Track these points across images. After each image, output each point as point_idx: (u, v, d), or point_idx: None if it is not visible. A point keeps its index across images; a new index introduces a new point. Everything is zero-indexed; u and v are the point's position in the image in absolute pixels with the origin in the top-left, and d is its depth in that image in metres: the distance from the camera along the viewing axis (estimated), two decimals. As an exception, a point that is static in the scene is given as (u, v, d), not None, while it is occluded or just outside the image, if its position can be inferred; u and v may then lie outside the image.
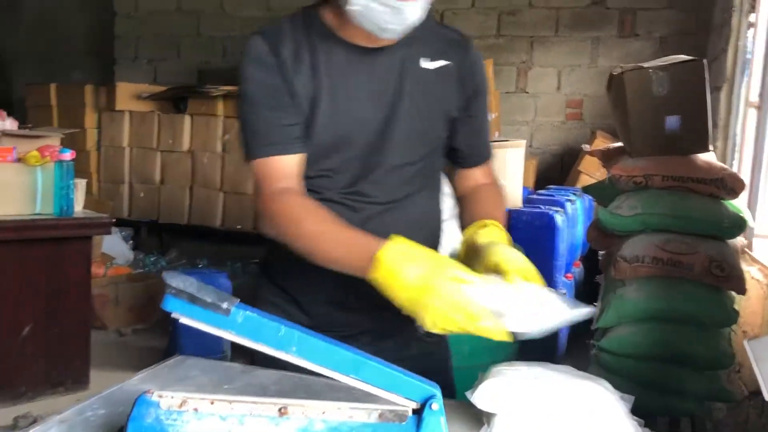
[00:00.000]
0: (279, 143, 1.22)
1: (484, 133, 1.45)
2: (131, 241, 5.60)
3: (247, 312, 0.88)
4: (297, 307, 1.36)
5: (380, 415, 0.88)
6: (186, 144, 5.62)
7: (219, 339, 3.24)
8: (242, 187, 5.46)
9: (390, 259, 1.01)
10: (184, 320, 0.88)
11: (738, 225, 2.24)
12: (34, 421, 2.69)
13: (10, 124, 3.23)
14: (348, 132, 1.27)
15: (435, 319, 0.98)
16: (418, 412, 0.87)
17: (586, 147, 3.73)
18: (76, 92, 5.77)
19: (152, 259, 5.56)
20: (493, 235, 1.17)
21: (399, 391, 0.88)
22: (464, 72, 1.34)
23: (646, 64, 2.51)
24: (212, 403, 0.89)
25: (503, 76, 5.24)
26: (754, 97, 3.60)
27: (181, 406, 0.88)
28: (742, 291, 2.19)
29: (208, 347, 3.36)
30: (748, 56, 3.80)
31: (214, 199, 5.58)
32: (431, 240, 1.38)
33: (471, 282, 0.99)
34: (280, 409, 0.88)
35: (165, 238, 5.98)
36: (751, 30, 3.79)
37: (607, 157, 2.75)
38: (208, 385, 1.16)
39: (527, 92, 5.36)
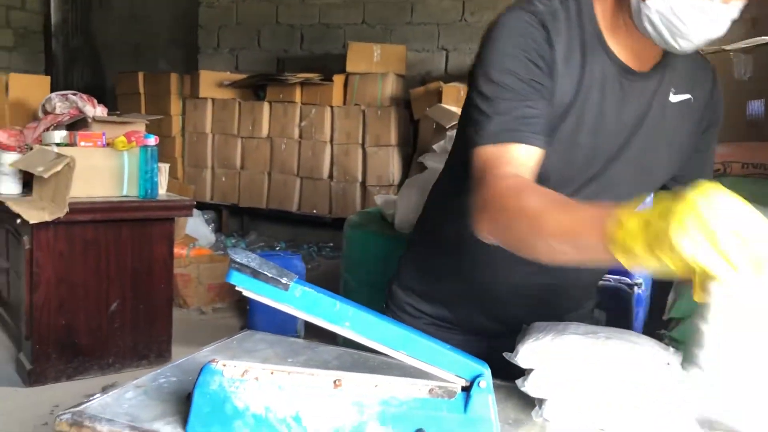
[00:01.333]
0: (521, 131, 1.01)
1: (706, 166, 1.28)
2: (213, 224, 5.83)
3: (305, 287, 0.92)
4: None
5: (430, 391, 0.91)
6: (265, 130, 5.78)
7: (293, 319, 3.31)
8: (318, 173, 5.57)
9: (632, 212, 0.77)
10: (246, 293, 0.93)
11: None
12: (121, 391, 2.86)
13: (100, 111, 3.43)
14: (579, 156, 1.12)
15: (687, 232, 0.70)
16: (467, 390, 0.90)
17: None
18: (162, 80, 6.03)
19: (233, 241, 5.77)
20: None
21: (449, 368, 0.90)
22: (705, 107, 1.20)
23: (727, 47, 2.41)
24: (272, 373, 0.94)
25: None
26: None
27: (242, 375, 0.94)
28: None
29: (282, 326, 3.48)
30: None
31: (291, 184, 5.72)
32: None
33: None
34: (335, 381, 0.92)
35: (245, 221, 6.19)
36: None
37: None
38: (273, 357, 1.22)
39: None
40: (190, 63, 6.64)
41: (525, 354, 1.04)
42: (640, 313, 3.53)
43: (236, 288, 0.94)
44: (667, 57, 1.11)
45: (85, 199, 2.92)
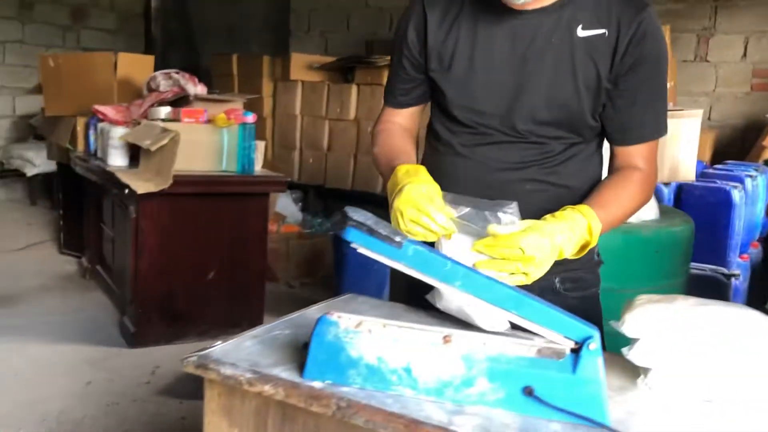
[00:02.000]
0: (395, 97, 1.45)
1: (639, 108, 1.29)
2: (300, 204, 5.97)
3: (417, 246, 0.96)
4: None
5: (539, 351, 0.93)
6: (352, 113, 5.85)
7: (379, 295, 3.34)
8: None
9: (401, 172, 1.23)
10: (361, 250, 0.97)
11: None
12: (216, 356, 3.00)
13: (200, 89, 3.57)
14: (478, 96, 1.31)
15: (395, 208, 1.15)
16: (575, 351, 0.91)
17: None
18: (254, 63, 6.19)
19: (318, 221, 5.89)
20: (551, 221, 1.14)
21: (558, 329, 0.92)
22: (624, 41, 1.23)
23: None
24: (384, 326, 0.98)
25: (681, 43, 4.93)
26: None
27: (357, 326, 0.98)
28: None
29: (369, 303, 3.56)
30: None
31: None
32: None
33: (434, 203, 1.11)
34: (444, 337, 0.96)
35: (329, 202, 6.31)
36: None
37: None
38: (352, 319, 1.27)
39: (708, 61, 5.01)
40: (281, 46, 6.79)
41: (631, 323, 1.04)
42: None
43: (351, 244, 0.98)
44: None
45: (187, 173, 3.06)
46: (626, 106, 1.28)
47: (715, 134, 4.86)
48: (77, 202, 4.32)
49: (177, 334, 3.20)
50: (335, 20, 6.48)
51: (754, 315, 1.03)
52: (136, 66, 3.95)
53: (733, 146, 4.92)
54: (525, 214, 1.23)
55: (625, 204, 1.28)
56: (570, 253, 1.15)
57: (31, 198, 6.08)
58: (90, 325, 3.38)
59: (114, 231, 3.66)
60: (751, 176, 3.66)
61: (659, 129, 1.32)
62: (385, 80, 5.54)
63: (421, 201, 1.12)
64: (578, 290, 1.37)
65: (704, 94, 5.05)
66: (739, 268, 3.49)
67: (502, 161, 1.33)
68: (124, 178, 2.92)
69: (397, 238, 0.95)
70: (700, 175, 3.67)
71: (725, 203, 3.33)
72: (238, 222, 3.24)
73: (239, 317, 3.33)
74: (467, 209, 1.10)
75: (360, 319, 0.99)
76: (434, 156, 1.45)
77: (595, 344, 0.89)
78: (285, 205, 5.19)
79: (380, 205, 4.96)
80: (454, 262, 0.95)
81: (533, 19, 1.26)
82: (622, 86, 1.26)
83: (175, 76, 3.52)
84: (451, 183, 1.37)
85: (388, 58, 5.56)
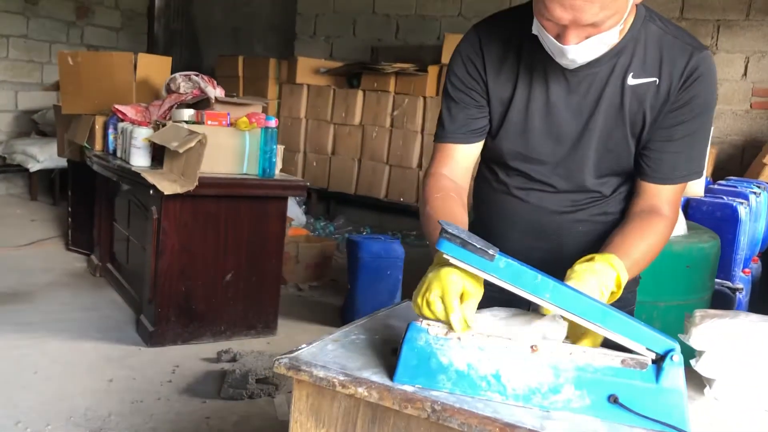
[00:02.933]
0: (458, 130, 1.36)
1: (675, 148, 1.27)
2: (303, 207, 6.02)
3: (509, 259, 1.01)
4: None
5: (623, 361, 0.99)
6: (357, 118, 5.91)
7: (391, 301, 3.44)
8: (407, 162, 5.67)
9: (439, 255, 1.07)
10: (453, 261, 1.03)
11: None
12: (234, 357, 3.04)
13: (219, 92, 3.61)
14: (532, 145, 1.32)
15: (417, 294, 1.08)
16: (657, 362, 0.97)
17: None
18: (260, 65, 6.24)
19: (322, 224, 5.95)
20: (583, 276, 1.11)
21: (642, 341, 0.98)
22: (674, 88, 1.24)
23: None
24: (473, 335, 1.04)
25: (683, 60, 5.04)
26: None
27: (446, 334, 1.04)
28: None
29: (380, 306, 3.60)
30: None
31: (380, 172, 5.84)
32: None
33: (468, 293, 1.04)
34: (531, 347, 1.01)
35: (332, 205, 6.36)
36: None
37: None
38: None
39: (709, 78, 5.12)
40: (286, 49, 6.84)
41: (698, 336, 1.11)
42: (739, 318, 3.51)
43: (444, 255, 1.04)
44: (622, 45, 1.22)
45: (209, 175, 3.10)
46: (662, 142, 1.27)
47: (715, 151, 4.98)
48: (86, 199, 4.34)
49: (194, 334, 3.23)
50: (341, 25, 6.54)
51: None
52: (154, 67, 3.98)
53: (732, 163, 5.04)
54: (575, 251, 1.33)
55: (648, 256, 1.26)
56: None
57: (32, 193, 6.06)
58: (105, 323, 3.40)
59: (129, 230, 3.68)
60: (755, 193, 3.76)
61: (691, 173, 1.30)
62: (392, 87, 5.70)
63: (451, 290, 1.03)
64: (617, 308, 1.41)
65: (705, 111, 5.16)
66: (742, 282, 3.59)
67: (555, 206, 1.38)
68: (150, 179, 2.95)
69: (491, 251, 1.00)
70: (707, 190, 3.76)
71: (732, 219, 3.42)
72: (257, 225, 3.28)
73: (254, 319, 3.37)
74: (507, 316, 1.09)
75: (447, 326, 1.04)
76: (487, 190, 1.47)
77: (677, 356, 0.96)
78: (290, 207, 5.23)
79: (383, 210, 5.04)
80: (543, 274, 1.01)
81: (588, 70, 1.25)
82: (662, 123, 1.26)
83: (195, 78, 3.55)
84: (504, 221, 1.44)
85: (396, 65, 5.65)
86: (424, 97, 5.59)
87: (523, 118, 1.31)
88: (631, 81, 1.25)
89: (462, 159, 1.39)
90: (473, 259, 1.01)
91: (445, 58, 5.47)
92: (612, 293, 1.13)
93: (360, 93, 5.89)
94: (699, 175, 1.31)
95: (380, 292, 3.57)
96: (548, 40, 1.16)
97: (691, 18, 5.12)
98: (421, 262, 4.74)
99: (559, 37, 1.14)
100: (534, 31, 1.19)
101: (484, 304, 1.08)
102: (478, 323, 1.06)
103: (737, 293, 3.47)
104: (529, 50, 1.28)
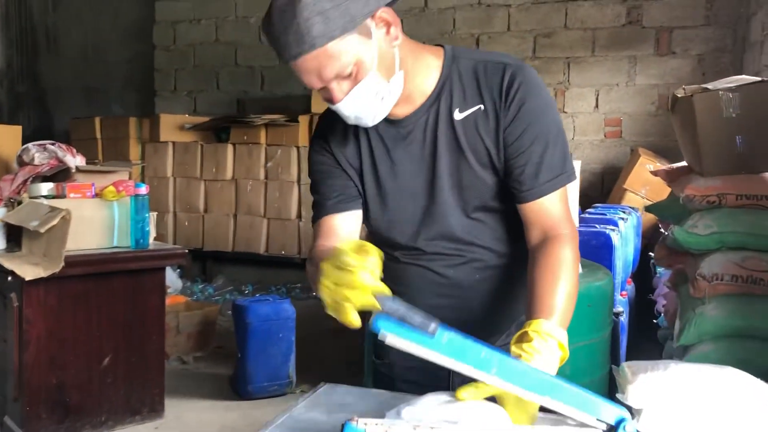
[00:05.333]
0: (331, 200, 1.33)
1: (530, 157, 1.24)
2: (178, 270, 5.70)
3: (451, 333, 0.94)
4: None
5: (574, 435, 0.93)
6: (229, 172, 5.74)
7: (285, 365, 3.25)
8: (286, 213, 5.55)
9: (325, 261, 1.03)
10: (391, 339, 0.94)
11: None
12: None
13: (80, 160, 3.34)
14: (397, 203, 1.32)
15: (324, 294, 1.01)
16: (609, 433, 0.93)
17: (650, 167, 3.78)
18: (120, 125, 5.92)
19: (200, 286, 5.66)
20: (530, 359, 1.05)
21: (592, 412, 0.93)
22: (502, 106, 1.23)
23: (711, 86, 2.57)
24: (414, 429, 0.95)
25: (541, 97, 5.31)
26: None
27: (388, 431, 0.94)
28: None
29: (275, 373, 3.43)
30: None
31: (257, 226, 5.67)
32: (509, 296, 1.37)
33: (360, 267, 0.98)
34: (480, 434, 0.94)
35: (209, 265, 6.08)
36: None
37: (672, 177, 2.80)
38: (369, 412, 1.22)
39: (565, 112, 5.43)
40: (145, 106, 6.54)
41: (635, 394, 1.08)
42: (623, 340, 3.66)
43: (380, 335, 0.94)
44: (438, 88, 1.26)
45: (76, 252, 2.82)
46: (515, 158, 1.24)
47: (578, 180, 5.25)
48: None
49: (70, 429, 2.90)
50: (203, 79, 6.35)
51: (742, 376, 1.11)
52: (1, 137, 3.63)
53: (594, 190, 5.33)
54: (482, 300, 1.34)
55: (572, 293, 1.21)
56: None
57: None
58: (-39, 431, 2.98)
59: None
60: (623, 218, 3.97)
61: (558, 175, 1.25)
62: (263, 138, 5.61)
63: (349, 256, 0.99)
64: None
65: (565, 143, 5.44)
66: (621, 305, 3.75)
67: (446, 262, 1.34)
68: (8, 264, 2.64)
69: (431, 326, 0.92)
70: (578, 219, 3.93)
71: (606, 246, 3.58)
72: (133, 301, 3.03)
73: (138, 404, 3.09)
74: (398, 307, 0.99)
75: (387, 424, 0.95)
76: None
77: (630, 426, 0.92)
78: (165, 273, 4.93)
79: (264, 264, 4.87)
80: (489, 346, 0.94)
81: (416, 119, 1.27)
82: (507, 141, 1.24)
83: (51, 147, 3.27)
84: (400, 285, 1.32)
85: (265, 116, 5.55)
86: (298, 147, 5.52)
87: (375, 186, 1.32)
88: (458, 116, 1.26)
89: (343, 228, 1.32)
90: (413, 336, 0.93)
91: (315, 107, 5.45)
92: (561, 358, 1.09)
93: (230, 147, 5.72)
94: (569, 176, 1.26)
95: (273, 357, 3.40)
96: (331, 106, 1.20)
97: (543, 57, 5.42)
98: (312, 317, 4.60)
99: (330, 100, 1.18)
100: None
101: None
102: (419, 410, 0.97)
103: (619, 317, 3.62)
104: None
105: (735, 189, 2.37)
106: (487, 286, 1.36)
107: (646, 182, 4.58)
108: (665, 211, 2.87)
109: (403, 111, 1.27)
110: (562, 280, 1.19)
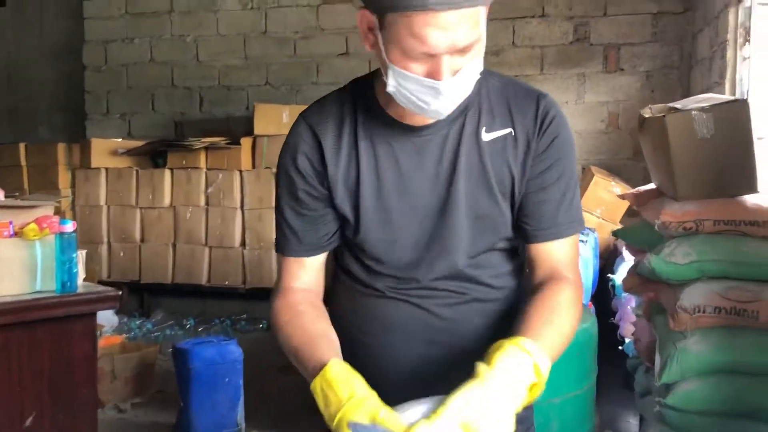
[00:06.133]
0: (297, 247, 1.21)
1: (556, 203, 1.17)
2: (113, 305, 5.33)
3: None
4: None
5: None
6: (167, 199, 5.42)
7: (232, 412, 2.96)
8: (228, 241, 5.27)
9: (330, 376, 1.02)
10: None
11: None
12: None
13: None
14: (401, 222, 1.16)
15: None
16: None
17: (617, 190, 3.67)
18: (47, 151, 5.54)
19: (137, 322, 5.29)
20: (487, 367, 0.98)
21: None
22: (532, 136, 1.15)
23: (680, 105, 2.45)
24: None
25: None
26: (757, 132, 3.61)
27: None
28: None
29: (221, 421, 3.15)
30: (745, 89, 3.83)
31: (199, 255, 5.37)
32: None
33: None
34: None
35: (147, 298, 5.72)
36: (746, 63, 3.83)
37: (641, 201, 2.67)
38: None
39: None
40: (75, 130, 6.15)
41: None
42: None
43: None
44: (467, 100, 1.12)
45: (-8, 300, 2.50)
46: (536, 192, 1.17)
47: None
48: None
49: (-12, 503, 2.55)
50: (138, 101, 6.02)
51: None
52: None
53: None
54: (476, 343, 1.14)
55: (567, 332, 1.11)
56: (520, 405, 0.97)
57: None
58: None
59: None
60: (582, 241, 3.85)
61: (573, 221, 1.19)
62: (203, 163, 5.25)
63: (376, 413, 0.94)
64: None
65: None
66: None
67: (444, 300, 1.18)
68: None
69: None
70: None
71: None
72: (60, 350, 2.69)
73: (68, 465, 2.76)
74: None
75: None
76: (352, 297, 1.25)
77: None
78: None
79: (206, 295, 4.53)
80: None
81: (438, 132, 1.14)
82: (532, 172, 1.16)
83: (-37, 180, 2.92)
84: (380, 326, 1.20)
85: (205, 139, 5.26)
86: (240, 171, 5.25)
87: (376, 203, 1.15)
88: (485, 137, 1.15)
89: (313, 264, 1.23)
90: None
91: (258, 129, 5.21)
92: (533, 386, 0.99)
93: (167, 172, 5.41)
94: (581, 225, 1.21)
95: (219, 403, 3.12)
96: (415, 88, 1.02)
97: (493, 75, 5.32)
98: (260, 352, 4.34)
99: (431, 74, 1.01)
100: (390, 89, 1.05)
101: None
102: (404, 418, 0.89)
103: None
104: (366, 126, 1.15)
105: (713, 214, 2.25)
106: (485, 332, 1.20)
107: (601, 202, 4.50)
108: (634, 236, 2.74)
109: (421, 118, 1.12)
110: (557, 315, 1.12)
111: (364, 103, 1.16)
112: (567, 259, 1.19)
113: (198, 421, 3.07)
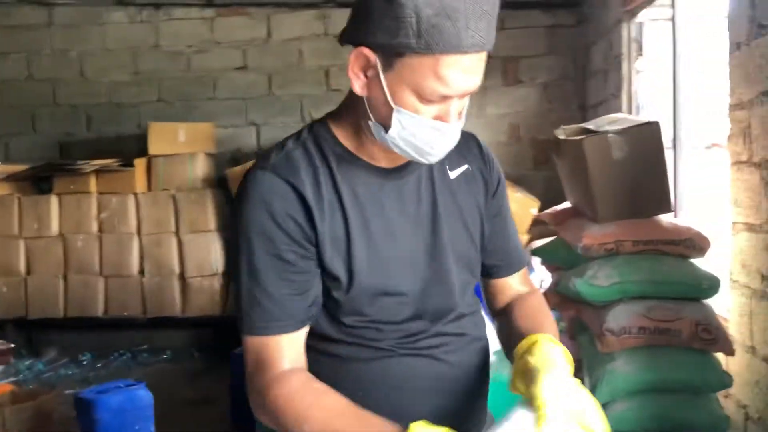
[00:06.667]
0: (285, 320, 1.05)
1: (514, 233, 1.29)
2: (-2, 346, 4.88)
3: None
4: None
5: None
6: (55, 227, 5.02)
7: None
8: (126, 269, 4.94)
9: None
10: None
11: (715, 285, 2.24)
12: None
13: None
14: (396, 274, 1.10)
15: None
16: None
17: (534, 211, 3.70)
18: None
19: (27, 362, 4.86)
20: (542, 356, 1.02)
21: None
22: (483, 171, 1.20)
23: (593, 126, 2.49)
24: None
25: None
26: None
27: None
28: (730, 352, 2.19)
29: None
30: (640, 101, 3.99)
31: (93, 286, 5.01)
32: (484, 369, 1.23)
33: None
34: None
35: (36, 335, 5.27)
36: (640, 76, 3.99)
37: (558, 220, 2.70)
38: None
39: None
40: (-56, 155, 5.60)
41: None
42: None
43: None
44: None
45: None
46: (500, 229, 1.23)
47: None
48: None
49: None
50: (17, 121, 5.54)
51: None
52: None
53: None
54: (475, 367, 1.18)
55: (555, 326, 1.19)
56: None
57: None
58: None
59: None
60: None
61: (526, 254, 1.34)
62: (94, 187, 4.90)
63: None
64: None
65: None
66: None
67: (449, 346, 1.14)
68: None
69: None
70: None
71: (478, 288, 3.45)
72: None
73: None
74: None
75: None
76: (332, 363, 1.11)
77: None
78: (-18, 355, 4.16)
79: (103, 327, 4.20)
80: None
81: (411, 172, 1.12)
82: (492, 209, 1.21)
83: None
84: (385, 387, 1.10)
85: (95, 161, 4.92)
86: (135, 194, 4.95)
87: (368, 255, 1.07)
88: (451, 174, 1.16)
89: (300, 338, 1.09)
90: None
91: (153, 149, 4.93)
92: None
93: (54, 198, 5.01)
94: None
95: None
96: (422, 131, 0.99)
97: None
98: (167, 385, 4.07)
99: (439, 117, 1.00)
100: (391, 133, 1.00)
101: None
102: None
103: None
104: (343, 172, 1.08)
105: (631, 235, 2.30)
106: (482, 371, 1.21)
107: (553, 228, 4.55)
108: (552, 255, 2.76)
109: (390, 161, 1.10)
110: (546, 315, 1.20)
111: (331, 148, 1.09)
112: (524, 280, 1.29)
113: (106, 478, 2.83)
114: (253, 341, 1.05)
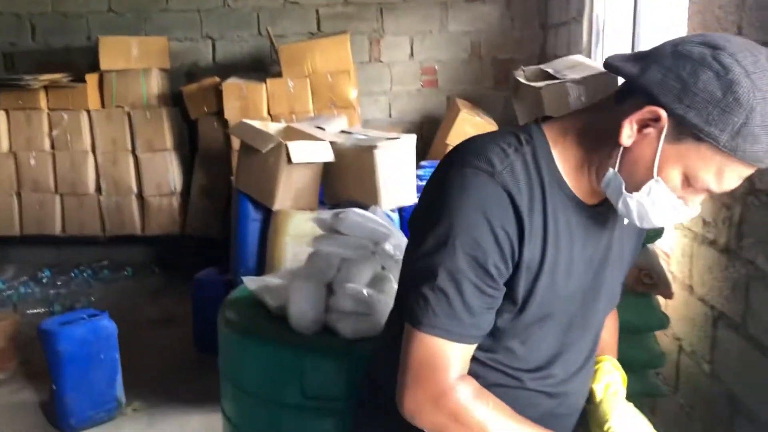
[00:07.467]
0: (473, 331, 1.03)
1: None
2: (-46, 265, 4.85)
3: None
4: None
5: None
6: (5, 144, 4.89)
7: (111, 386, 2.83)
8: (82, 187, 4.88)
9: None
10: None
11: (658, 231, 2.35)
12: None
13: None
14: (560, 302, 1.09)
15: None
16: None
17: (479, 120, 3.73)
18: None
19: (-15, 281, 4.86)
20: (607, 398, 1.23)
21: None
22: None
23: (551, 69, 2.51)
24: None
25: (356, 45, 5.07)
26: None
27: None
28: (670, 296, 2.33)
29: (100, 400, 3.02)
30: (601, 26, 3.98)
31: (49, 204, 4.96)
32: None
33: None
34: None
35: (-7, 253, 5.24)
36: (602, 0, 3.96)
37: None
38: None
39: (381, 61, 5.25)
40: None
41: None
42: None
43: None
44: None
45: None
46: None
47: (398, 131, 5.15)
48: None
49: None
50: (-46, 30, 5.26)
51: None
52: None
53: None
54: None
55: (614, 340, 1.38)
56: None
57: None
58: None
59: None
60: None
61: None
62: (44, 103, 4.81)
63: None
64: None
65: (383, 93, 5.30)
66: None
67: (584, 383, 1.25)
68: None
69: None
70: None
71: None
72: None
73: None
74: None
75: None
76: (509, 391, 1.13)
77: None
78: (-61, 277, 4.14)
79: (62, 244, 4.20)
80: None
81: (602, 213, 1.10)
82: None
83: None
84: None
85: (44, 77, 4.73)
86: (88, 111, 4.82)
87: (549, 285, 1.06)
88: (626, 220, 1.07)
89: (473, 349, 1.08)
90: None
91: (105, 64, 4.77)
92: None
93: (2, 114, 4.85)
94: None
95: (96, 382, 2.98)
96: (664, 207, 0.98)
97: (356, 2, 5.14)
98: (130, 305, 4.11)
99: (682, 198, 0.99)
100: (639, 197, 0.98)
101: None
102: None
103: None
104: (553, 200, 1.04)
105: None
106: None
107: (466, 136, 4.58)
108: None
109: (593, 197, 1.09)
110: (615, 324, 1.41)
111: (547, 170, 1.04)
112: None
113: (74, 405, 2.92)
114: (429, 339, 1.02)
